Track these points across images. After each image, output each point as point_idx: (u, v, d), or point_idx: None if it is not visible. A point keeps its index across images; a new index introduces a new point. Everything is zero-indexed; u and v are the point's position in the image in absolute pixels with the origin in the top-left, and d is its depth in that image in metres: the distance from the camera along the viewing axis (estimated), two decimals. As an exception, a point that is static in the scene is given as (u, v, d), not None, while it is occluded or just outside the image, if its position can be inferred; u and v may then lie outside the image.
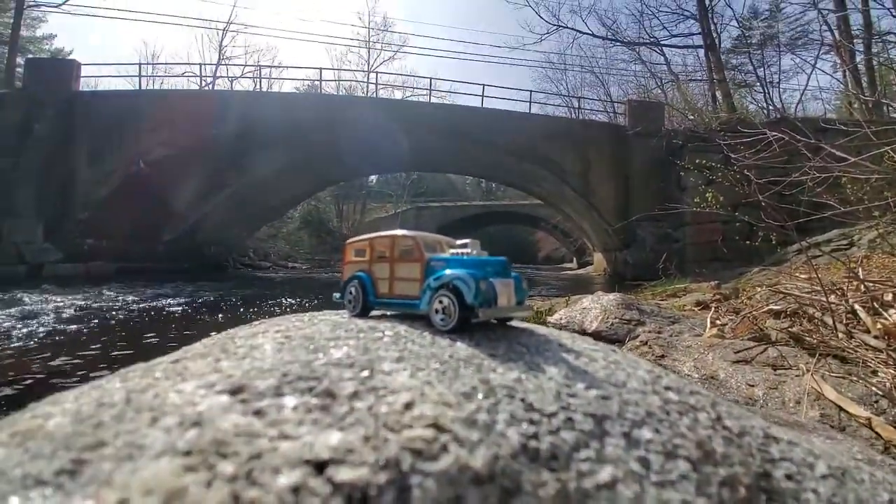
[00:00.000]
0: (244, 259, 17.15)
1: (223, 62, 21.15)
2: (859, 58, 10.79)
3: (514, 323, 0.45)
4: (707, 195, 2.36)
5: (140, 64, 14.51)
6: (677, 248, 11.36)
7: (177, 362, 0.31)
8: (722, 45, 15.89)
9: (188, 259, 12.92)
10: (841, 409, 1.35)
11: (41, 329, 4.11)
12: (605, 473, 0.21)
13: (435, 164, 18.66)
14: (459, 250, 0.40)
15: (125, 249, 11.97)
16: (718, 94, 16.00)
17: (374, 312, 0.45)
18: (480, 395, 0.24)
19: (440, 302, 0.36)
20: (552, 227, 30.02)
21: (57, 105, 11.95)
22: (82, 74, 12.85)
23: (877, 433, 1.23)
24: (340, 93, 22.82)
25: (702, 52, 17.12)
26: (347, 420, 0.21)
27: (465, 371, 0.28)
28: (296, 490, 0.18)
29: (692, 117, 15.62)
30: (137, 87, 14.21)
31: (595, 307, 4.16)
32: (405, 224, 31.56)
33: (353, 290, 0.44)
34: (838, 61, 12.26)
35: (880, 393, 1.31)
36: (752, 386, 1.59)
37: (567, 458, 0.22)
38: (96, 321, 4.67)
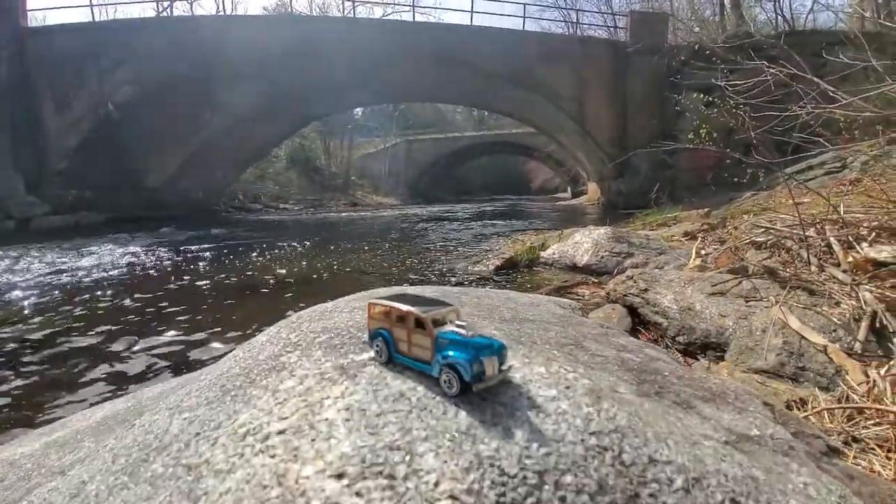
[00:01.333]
0: (234, 202, 16.89)
1: (180, -18, 18.88)
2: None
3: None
4: (701, 130, 2.33)
5: (88, -11, 12.96)
6: (671, 175, 11.30)
7: (265, 440, 0.41)
8: (735, -58, 14.32)
9: (176, 205, 12.72)
10: (802, 337, 1.49)
11: (49, 287, 4.20)
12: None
13: (421, 93, 17.66)
14: (458, 329, 0.52)
15: (111, 199, 11.72)
16: (727, 3, 14.79)
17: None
18: (475, 468, 0.40)
19: (447, 375, 0.51)
20: (546, 157, 29.32)
21: (8, 44, 10.91)
22: (28, 7, 11.56)
23: (830, 358, 1.39)
24: (314, 12, 20.80)
25: (712, -49, 15.49)
26: (406, 497, 0.37)
27: (466, 446, 0.42)
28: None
29: (698, 30, 14.59)
30: (91, 19, 12.87)
31: (586, 241, 4.30)
32: (395, 157, 30.58)
33: (379, 344, 0.59)
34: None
35: (839, 323, 1.44)
36: (724, 316, 1.73)
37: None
38: (110, 279, 4.76)
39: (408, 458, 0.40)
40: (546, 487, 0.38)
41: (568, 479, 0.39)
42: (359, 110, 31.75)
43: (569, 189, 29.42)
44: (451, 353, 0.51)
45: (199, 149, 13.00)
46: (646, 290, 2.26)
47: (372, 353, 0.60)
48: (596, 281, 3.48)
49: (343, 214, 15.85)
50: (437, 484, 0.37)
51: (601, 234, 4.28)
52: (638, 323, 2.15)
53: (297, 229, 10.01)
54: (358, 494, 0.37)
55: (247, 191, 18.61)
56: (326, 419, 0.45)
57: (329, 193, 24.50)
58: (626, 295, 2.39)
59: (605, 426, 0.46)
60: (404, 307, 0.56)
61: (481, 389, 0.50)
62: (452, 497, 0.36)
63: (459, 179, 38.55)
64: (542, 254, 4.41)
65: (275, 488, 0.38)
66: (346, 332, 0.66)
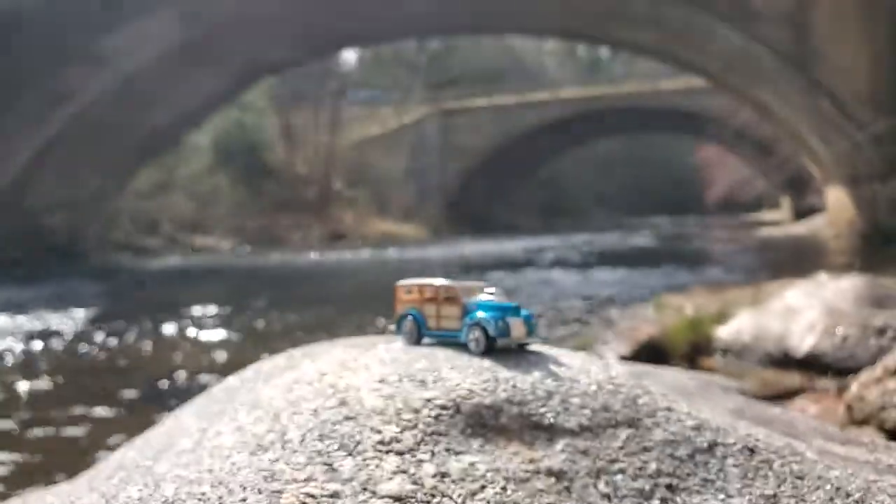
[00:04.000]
0: (114, 236, 18.07)
1: None
2: None
3: (532, 347, 1.12)
4: None
5: None
6: None
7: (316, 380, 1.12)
8: None
9: (17, 242, 13.85)
10: None
11: None
12: (547, 411, 1.02)
13: (478, 19, 18.66)
14: (487, 296, 1.02)
15: None
16: None
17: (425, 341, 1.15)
18: (492, 382, 1.03)
19: (474, 334, 1.00)
20: (734, 137, 29.18)
21: None
22: None
23: None
24: None
25: None
26: (434, 388, 1.03)
27: (486, 374, 1.04)
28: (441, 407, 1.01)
29: None
30: None
31: (811, 306, 4.43)
32: (421, 144, 31.47)
33: (408, 325, 1.09)
34: None
35: None
36: None
37: (526, 405, 1.02)
38: None
39: (435, 374, 0.97)
40: (552, 401, 0.96)
41: (575, 399, 0.97)
42: (352, 55, 33.41)
43: (785, 202, 29.01)
44: (478, 313, 0.99)
45: (57, 136, 14.32)
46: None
47: (400, 340, 1.12)
48: (829, 386, 3.58)
49: (320, 258, 16.36)
50: (458, 384, 0.94)
51: (842, 293, 4.38)
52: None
53: (221, 293, 10.46)
54: (396, 387, 0.94)
55: (138, 213, 19.86)
56: (364, 364, 1.07)
57: (291, 216, 25.43)
58: (885, 408, 2.51)
59: (629, 382, 1.08)
60: (435, 282, 1.05)
61: (505, 346, 1.00)
62: (470, 390, 0.91)
63: (549, 185, 38.73)
64: (720, 331, 4.55)
65: (334, 388, 1.00)
66: (367, 342, 1.23)
